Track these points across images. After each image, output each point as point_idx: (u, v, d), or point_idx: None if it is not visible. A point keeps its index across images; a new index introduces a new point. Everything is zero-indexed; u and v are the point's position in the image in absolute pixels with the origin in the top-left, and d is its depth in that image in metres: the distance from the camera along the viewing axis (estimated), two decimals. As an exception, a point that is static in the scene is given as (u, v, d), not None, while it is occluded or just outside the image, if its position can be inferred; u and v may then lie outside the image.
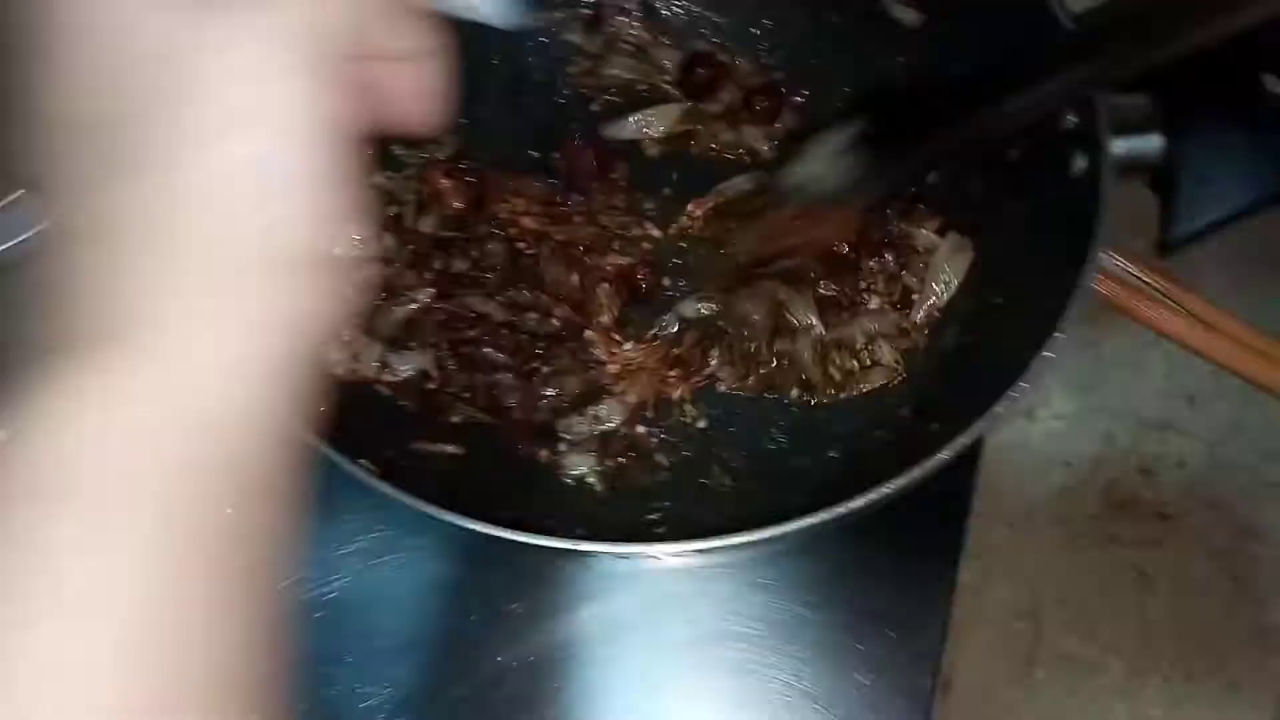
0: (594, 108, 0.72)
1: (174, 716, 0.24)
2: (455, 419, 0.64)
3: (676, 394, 0.64)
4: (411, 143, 0.68)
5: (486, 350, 0.64)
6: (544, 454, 0.63)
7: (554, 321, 0.65)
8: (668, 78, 0.72)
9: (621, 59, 0.72)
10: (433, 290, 0.65)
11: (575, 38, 0.73)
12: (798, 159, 0.60)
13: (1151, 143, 0.52)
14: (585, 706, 0.63)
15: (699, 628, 0.64)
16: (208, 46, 0.25)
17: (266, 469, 0.27)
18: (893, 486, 0.49)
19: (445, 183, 0.67)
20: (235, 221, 0.25)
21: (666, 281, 0.67)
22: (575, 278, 0.66)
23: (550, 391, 0.64)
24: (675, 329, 0.66)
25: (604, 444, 0.63)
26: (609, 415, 0.63)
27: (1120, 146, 0.52)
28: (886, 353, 0.64)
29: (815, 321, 0.65)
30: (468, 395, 0.64)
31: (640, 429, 0.64)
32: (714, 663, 0.63)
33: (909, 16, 0.67)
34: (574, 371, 0.64)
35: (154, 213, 0.25)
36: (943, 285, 0.64)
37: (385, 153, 0.68)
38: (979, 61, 0.55)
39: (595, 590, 0.65)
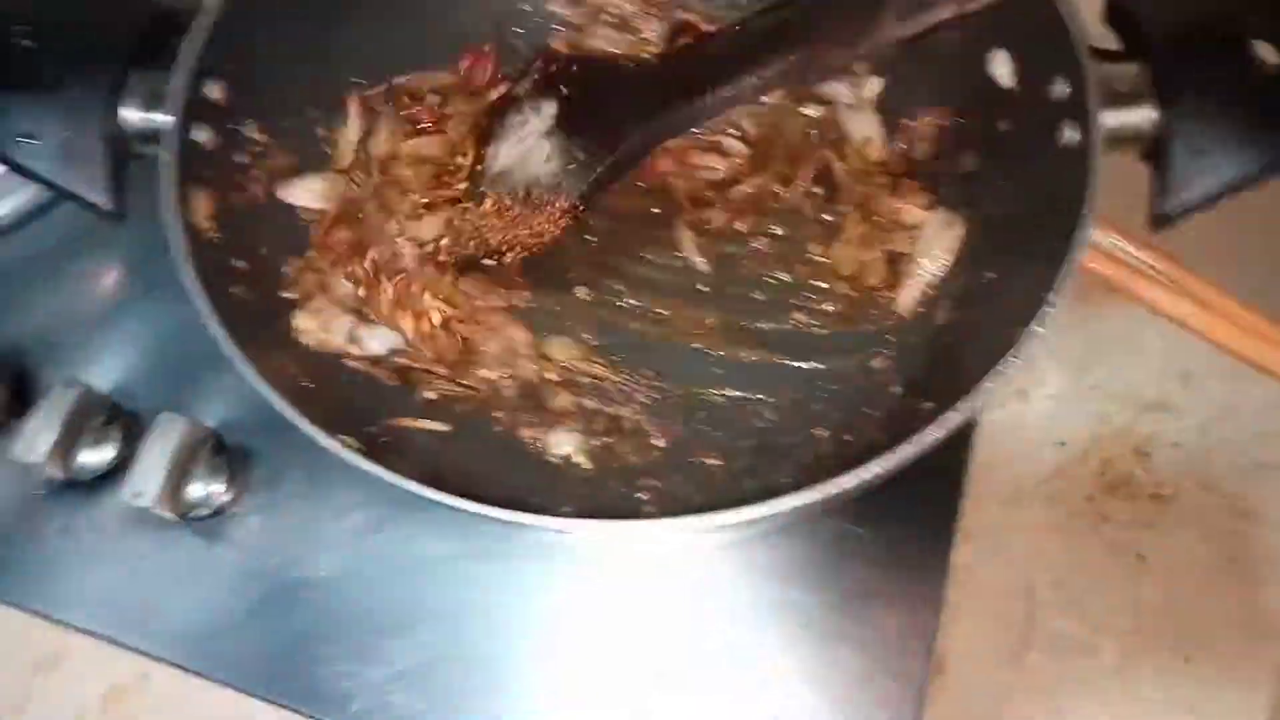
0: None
1: None
2: (430, 395, 0.63)
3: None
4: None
5: None
6: (528, 434, 0.63)
7: None
8: (651, 48, 0.72)
9: (605, 30, 0.71)
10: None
11: (558, 8, 0.73)
12: (496, 142, 0.58)
13: (1143, 113, 0.52)
14: (576, 687, 0.63)
15: (690, 607, 0.64)
16: None
17: None
18: (884, 465, 0.48)
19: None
20: None
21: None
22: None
23: None
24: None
25: (588, 421, 0.63)
26: None
27: (1111, 117, 0.51)
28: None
29: None
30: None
31: (636, 406, 0.64)
32: (706, 643, 0.63)
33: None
34: None
35: None
36: (932, 261, 0.63)
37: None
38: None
39: (585, 570, 0.65)
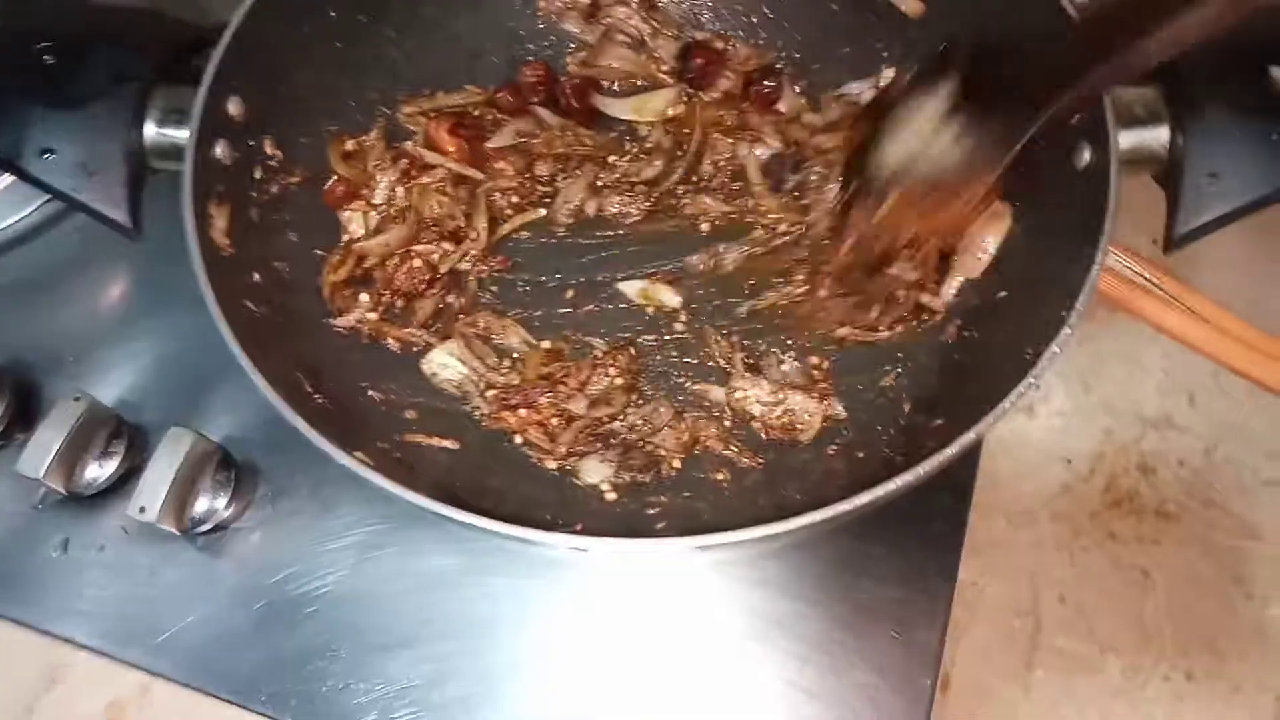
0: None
1: None
2: None
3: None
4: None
5: None
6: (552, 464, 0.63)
7: None
8: (665, 67, 0.72)
9: (618, 49, 0.71)
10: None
11: (572, 27, 0.73)
12: (886, 139, 0.54)
13: (1159, 135, 0.52)
14: (582, 701, 0.62)
15: (699, 623, 0.64)
16: None
17: None
18: (899, 483, 0.48)
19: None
20: None
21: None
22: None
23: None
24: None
25: (625, 454, 0.63)
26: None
27: (1127, 139, 0.52)
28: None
29: None
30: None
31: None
32: (712, 658, 0.63)
33: (910, 5, 0.67)
34: None
35: None
36: (982, 254, 0.62)
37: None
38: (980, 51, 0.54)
39: (595, 586, 0.64)
